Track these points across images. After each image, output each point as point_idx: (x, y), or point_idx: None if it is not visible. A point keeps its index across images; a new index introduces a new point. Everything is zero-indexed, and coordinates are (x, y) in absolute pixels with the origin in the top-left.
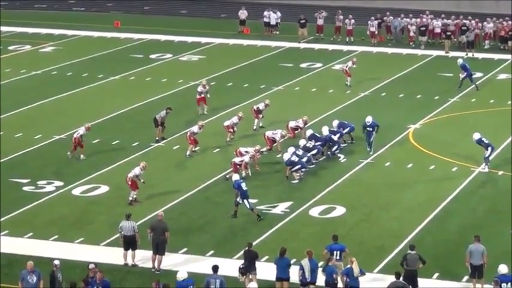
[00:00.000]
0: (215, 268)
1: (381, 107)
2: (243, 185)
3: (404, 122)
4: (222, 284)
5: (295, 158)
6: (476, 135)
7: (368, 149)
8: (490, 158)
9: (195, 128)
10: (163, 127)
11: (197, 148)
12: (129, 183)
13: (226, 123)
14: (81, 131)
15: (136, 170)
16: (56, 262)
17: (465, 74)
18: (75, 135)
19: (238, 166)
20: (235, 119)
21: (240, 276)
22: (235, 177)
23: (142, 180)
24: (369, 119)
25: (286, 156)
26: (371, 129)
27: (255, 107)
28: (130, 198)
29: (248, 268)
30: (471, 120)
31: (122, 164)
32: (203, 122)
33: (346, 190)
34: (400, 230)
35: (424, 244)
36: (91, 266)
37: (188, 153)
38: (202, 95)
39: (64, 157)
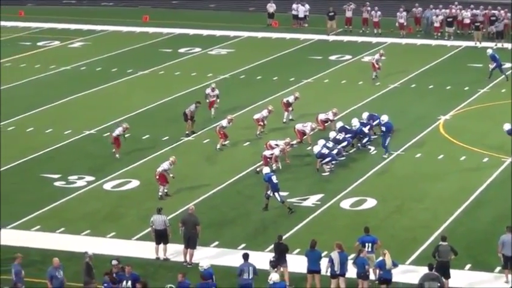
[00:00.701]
0: (246, 256)
1: (411, 99)
2: (274, 178)
3: (435, 113)
4: (255, 271)
5: (325, 151)
6: (507, 126)
7: (383, 154)
8: None
9: (224, 122)
10: (193, 121)
11: (227, 142)
12: (158, 177)
13: (256, 116)
14: (118, 131)
15: (165, 165)
16: (90, 252)
17: (494, 64)
18: (113, 135)
19: (268, 159)
20: (265, 112)
21: (270, 269)
22: (266, 170)
23: (172, 175)
24: (384, 118)
25: (316, 149)
26: (384, 129)
27: (284, 100)
28: (160, 193)
29: (278, 261)
30: (501, 110)
31: (152, 158)
32: (232, 116)
33: (377, 182)
34: (431, 221)
35: (456, 235)
36: (114, 262)
37: (218, 147)
38: (212, 99)
39: (95, 152)
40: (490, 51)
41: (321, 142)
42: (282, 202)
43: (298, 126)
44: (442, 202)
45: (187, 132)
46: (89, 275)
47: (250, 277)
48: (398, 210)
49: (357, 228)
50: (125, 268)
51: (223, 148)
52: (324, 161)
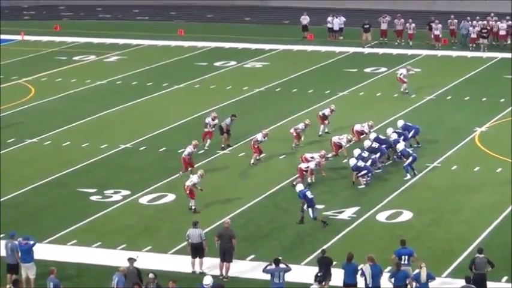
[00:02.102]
0: (277, 261)
1: (447, 111)
2: (308, 194)
3: (470, 125)
4: (286, 273)
5: (361, 164)
6: None
7: (405, 175)
8: None
9: (259, 136)
10: (228, 134)
11: (262, 156)
12: (188, 192)
13: (292, 129)
14: (189, 149)
15: (194, 179)
16: (151, 275)
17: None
18: (183, 155)
19: (304, 172)
20: (301, 126)
21: (316, 284)
22: (299, 187)
23: (200, 188)
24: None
25: (352, 162)
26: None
27: (320, 113)
28: (192, 206)
29: (325, 275)
30: None
31: (188, 172)
32: (267, 131)
33: (412, 194)
34: (468, 233)
35: (492, 247)
36: (150, 276)
37: (252, 161)
38: (210, 129)
39: (130, 166)
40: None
41: (356, 152)
42: (314, 219)
43: (335, 138)
44: (478, 214)
45: (223, 145)
46: None
47: (280, 281)
48: (435, 222)
49: (393, 241)
50: (158, 282)
51: (257, 163)
52: (360, 174)
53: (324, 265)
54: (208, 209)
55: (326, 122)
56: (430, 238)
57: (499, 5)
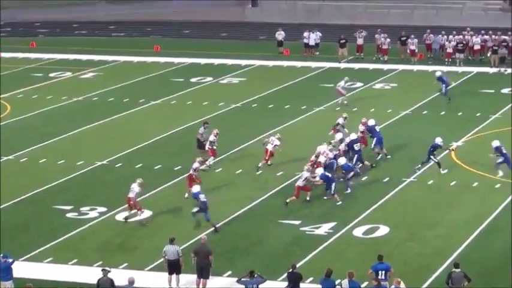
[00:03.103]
0: (252, 273)
1: (423, 125)
2: (202, 197)
3: (447, 139)
4: (260, 285)
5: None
6: (496, 143)
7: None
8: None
9: (276, 140)
10: (204, 148)
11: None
12: (131, 202)
13: (268, 146)
14: (194, 165)
15: (136, 188)
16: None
17: (443, 86)
18: (190, 172)
19: (301, 190)
20: (276, 141)
21: None
22: (196, 189)
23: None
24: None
25: (319, 171)
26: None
27: (335, 127)
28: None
29: None
30: None
31: (165, 188)
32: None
33: (389, 209)
34: (445, 248)
35: (469, 262)
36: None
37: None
38: (214, 146)
39: (107, 182)
40: (439, 73)
41: (319, 170)
42: (207, 220)
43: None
44: (455, 229)
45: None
46: None
47: None
48: (411, 237)
49: (370, 256)
50: None
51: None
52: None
53: (293, 281)
54: (185, 225)
55: (345, 130)
56: (407, 253)
57: (475, 20)
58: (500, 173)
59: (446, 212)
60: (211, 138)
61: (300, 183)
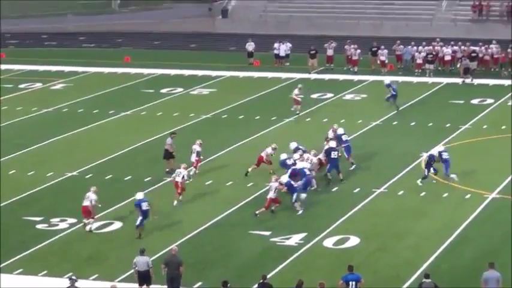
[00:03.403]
0: (225, 283)
1: (393, 136)
2: (144, 205)
3: (417, 150)
4: None
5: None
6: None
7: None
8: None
9: (268, 150)
10: (173, 157)
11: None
12: (85, 211)
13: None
14: (181, 172)
15: (92, 195)
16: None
17: (392, 94)
18: (176, 179)
19: (272, 202)
20: (269, 150)
21: None
22: (139, 196)
23: (99, 205)
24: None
25: (284, 179)
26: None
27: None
28: (88, 226)
29: None
30: (483, 147)
31: (135, 199)
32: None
33: (360, 220)
34: (415, 259)
35: (439, 272)
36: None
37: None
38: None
39: (77, 193)
40: (387, 81)
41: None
42: (136, 227)
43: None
44: (425, 239)
45: (167, 170)
46: None
47: None
48: (382, 247)
49: (340, 266)
50: None
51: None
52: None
53: None
54: (155, 236)
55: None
56: (377, 263)
57: (445, 30)
58: (454, 177)
59: (416, 222)
60: (198, 148)
61: (271, 195)
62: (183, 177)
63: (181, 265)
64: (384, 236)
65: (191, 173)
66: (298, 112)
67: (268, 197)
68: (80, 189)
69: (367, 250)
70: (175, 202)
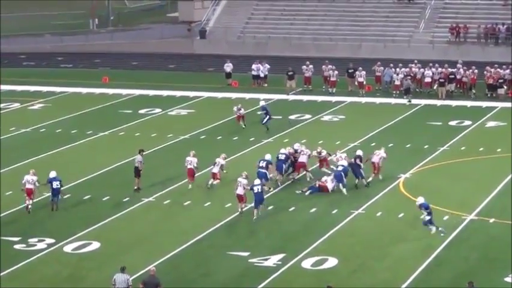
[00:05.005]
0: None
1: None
2: (55, 184)
3: (395, 171)
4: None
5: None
6: (420, 199)
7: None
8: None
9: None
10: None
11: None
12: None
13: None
14: (220, 162)
15: (29, 178)
16: None
17: (267, 116)
18: (213, 170)
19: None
20: (221, 160)
21: None
22: (52, 174)
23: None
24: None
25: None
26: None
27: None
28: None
29: None
30: (461, 168)
31: (113, 219)
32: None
33: (338, 241)
34: (393, 280)
35: None
36: None
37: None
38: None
39: (55, 214)
40: (262, 102)
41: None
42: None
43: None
44: (403, 260)
45: (135, 187)
46: None
47: None
48: (360, 269)
49: (319, 287)
50: None
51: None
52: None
53: None
54: (133, 257)
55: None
56: (355, 285)
57: (423, 52)
58: (433, 229)
59: (394, 244)
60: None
61: (239, 191)
62: (221, 166)
63: (160, 285)
64: (362, 258)
65: (209, 183)
66: (244, 127)
67: (236, 192)
68: (58, 209)
69: (345, 271)
70: (210, 181)
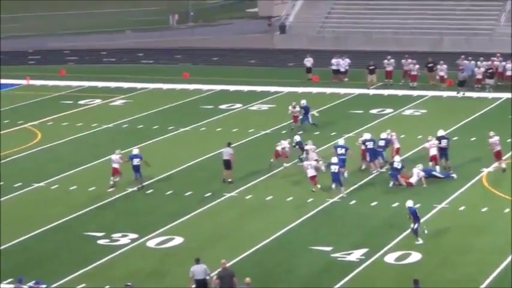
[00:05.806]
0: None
1: (454, 151)
2: (136, 161)
3: (477, 165)
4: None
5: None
6: (409, 203)
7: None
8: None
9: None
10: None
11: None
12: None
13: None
14: (282, 143)
15: (115, 158)
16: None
17: (306, 114)
18: (277, 148)
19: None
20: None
21: None
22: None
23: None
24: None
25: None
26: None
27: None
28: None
29: None
30: None
31: (195, 214)
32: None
33: (421, 235)
34: (477, 274)
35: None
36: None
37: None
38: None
39: (138, 209)
40: (303, 102)
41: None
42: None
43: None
44: (487, 254)
45: (229, 180)
46: None
47: None
48: (444, 263)
49: (401, 282)
50: None
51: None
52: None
53: None
54: (216, 252)
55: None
56: (439, 280)
57: (504, 45)
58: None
59: (478, 238)
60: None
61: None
62: (283, 148)
63: (235, 276)
64: (446, 252)
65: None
66: (292, 128)
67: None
68: (140, 204)
69: (429, 266)
70: (271, 160)
